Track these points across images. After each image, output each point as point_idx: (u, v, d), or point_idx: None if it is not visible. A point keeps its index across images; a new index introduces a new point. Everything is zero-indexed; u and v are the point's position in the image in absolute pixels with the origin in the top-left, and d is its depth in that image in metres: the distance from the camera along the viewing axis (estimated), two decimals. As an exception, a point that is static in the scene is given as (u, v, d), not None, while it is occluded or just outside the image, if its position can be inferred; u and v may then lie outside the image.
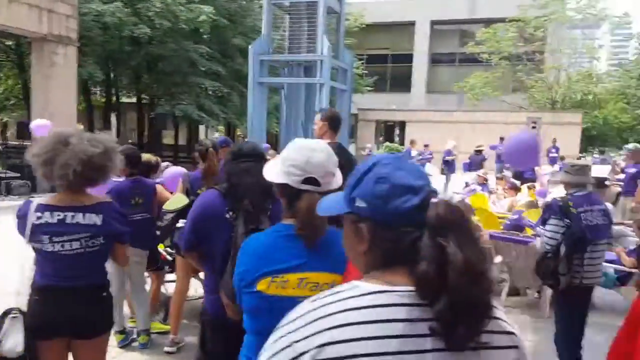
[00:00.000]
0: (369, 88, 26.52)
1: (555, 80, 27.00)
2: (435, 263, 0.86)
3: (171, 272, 4.84)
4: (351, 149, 18.47)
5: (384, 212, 0.94)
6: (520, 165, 6.26)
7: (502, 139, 15.64)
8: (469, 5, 28.70)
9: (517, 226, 6.30)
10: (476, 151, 14.90)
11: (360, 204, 0.96)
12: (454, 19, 29.41)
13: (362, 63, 26.39)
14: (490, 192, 9.85)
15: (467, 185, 10.78)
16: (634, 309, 3.10)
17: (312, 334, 0.87)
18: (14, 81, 22.08)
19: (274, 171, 1.74)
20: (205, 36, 18.95)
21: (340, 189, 1.32)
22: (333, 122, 3.73)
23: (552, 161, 16.80)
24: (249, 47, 11.07)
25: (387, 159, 0.99)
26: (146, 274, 4.55)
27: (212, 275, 2.44)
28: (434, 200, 0.93)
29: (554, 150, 17.90)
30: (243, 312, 1.73)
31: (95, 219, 2.34)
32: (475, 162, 14.11)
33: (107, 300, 2.48)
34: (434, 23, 30.29)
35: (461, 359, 0.88)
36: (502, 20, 26.11)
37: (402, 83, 31.03)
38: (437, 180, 12.79)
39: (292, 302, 1.37)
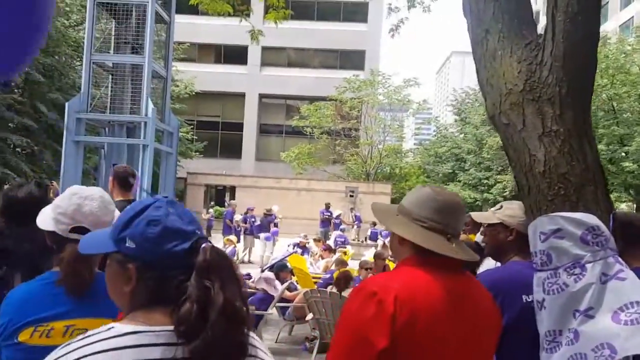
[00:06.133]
0: (198, 153, 27.23)
1: (369, 155, 29.61)
2: (199, 302, 0.90)
3: None
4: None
5: (154, 254, 0.95)
6: None
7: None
8: (295, 84, 31.19)
9: (329, 284, 6.53)
10: (265, 214, 15.72)
11: (130, 244, 0.96)
12: (280, 94, 31.86)
13: (192, 128, 27.17)
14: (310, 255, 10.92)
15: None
16: None
17: None
18: None
19: (44, 218, 1.68)
20: (16, 90, 17.15)
21: None
22: (119, 179, 3.58)
23: (324, 224, 18.53)
24: (66, 103, 10.43)
25: (160, 201, 1.00)
26: None
27: None
28: (203, 245, 0.95)
29: (327, 213, 18.94)
30: None
31: None
32: (265, 224, 15.16)
33: None
34: (262, 96, 32.63)
35: None
36: (323, 98, 28.84)
37: (232, 150, 32.41)
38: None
39: None
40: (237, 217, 16.35)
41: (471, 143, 30.33)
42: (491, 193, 28.16)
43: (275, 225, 15.75)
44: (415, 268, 1.44)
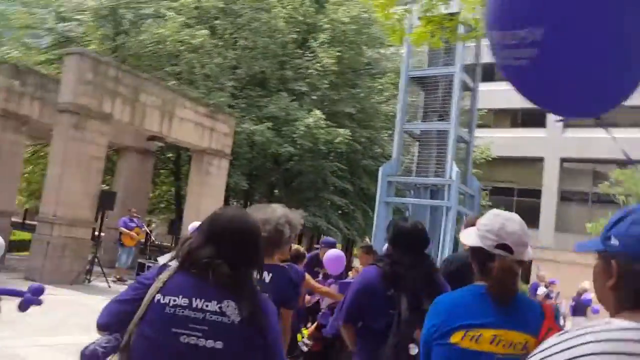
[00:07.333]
0: (494, 220, 23.49)
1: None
2: None
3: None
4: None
5: (635, 251, 1.02)
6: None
7: None
8: (603, 145, 24.13)
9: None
10: (579, 293, 13.43)
11: (614, 242, 1.06)
12: (586, 158, 27.78)
13: (487, 194, 25.46)
14: None
15: None
16: None
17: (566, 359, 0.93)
18: (167, 187, 23.67)
19: (470, 235, 1.86)
20: (337, 158, 20.25)
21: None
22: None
23: None
24: (379, 168, 12.17)
25: None
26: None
27: (365, 349, 2.59)
28: None
29: None
30: None
31: (265, 276, 2.40)
32: (580, 307, 13.05)
33: None
34: (563, 160, 29.29)
35: None
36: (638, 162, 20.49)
37: (529, 218, 21.23)
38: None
39: (486, 357, 1.68)
40: (541, 290, 13.94)
41: None
42: None
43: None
44: None
